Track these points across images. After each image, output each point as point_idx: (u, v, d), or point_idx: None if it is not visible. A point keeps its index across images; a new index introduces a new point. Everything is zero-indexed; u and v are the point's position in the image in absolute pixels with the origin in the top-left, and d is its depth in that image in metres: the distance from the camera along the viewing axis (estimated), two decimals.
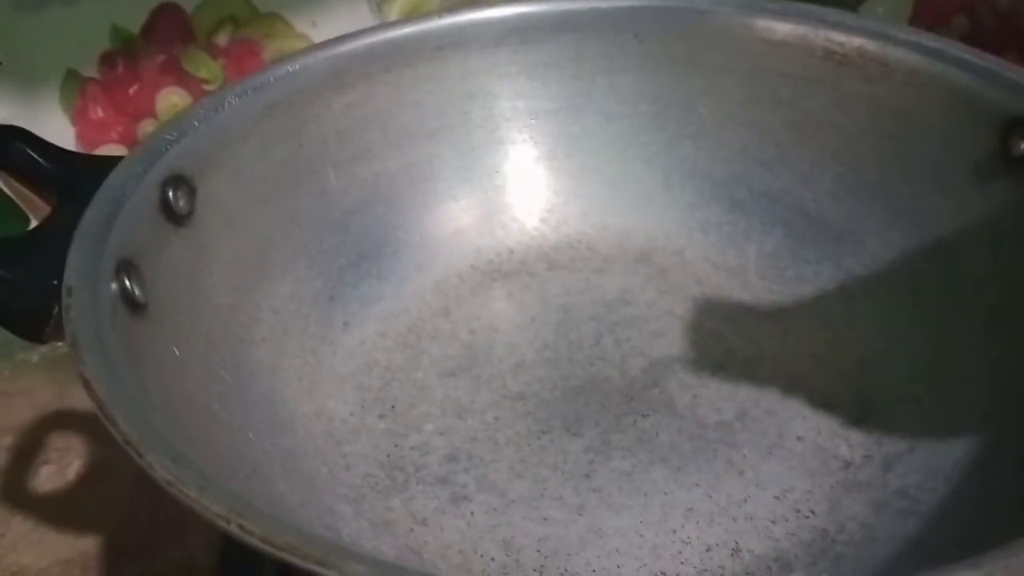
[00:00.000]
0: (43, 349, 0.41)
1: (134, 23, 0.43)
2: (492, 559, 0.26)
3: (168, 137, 0.29)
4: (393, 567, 0.15)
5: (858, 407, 0.30)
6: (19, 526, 0.34)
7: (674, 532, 0.27)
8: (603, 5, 0.37)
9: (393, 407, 0.31)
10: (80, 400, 0.38)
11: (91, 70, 0.43)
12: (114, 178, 0.27)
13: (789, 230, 0.35)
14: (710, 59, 0.36)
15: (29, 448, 0.37)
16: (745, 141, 0.36)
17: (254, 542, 0.16)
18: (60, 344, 0.41)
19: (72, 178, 0.28)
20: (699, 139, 0.37)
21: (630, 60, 0.37)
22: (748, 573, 0.26)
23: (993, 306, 0.30)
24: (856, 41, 0.34)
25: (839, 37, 0.34)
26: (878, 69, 0.34)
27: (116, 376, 0.20)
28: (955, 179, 0.32)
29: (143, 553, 0.33)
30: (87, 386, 0.20)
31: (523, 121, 0.37)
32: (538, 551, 0.27)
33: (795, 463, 0.29)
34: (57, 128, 0.43)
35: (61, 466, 0.36)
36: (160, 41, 0.44)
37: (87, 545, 0.33)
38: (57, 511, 0.35)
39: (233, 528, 0.16)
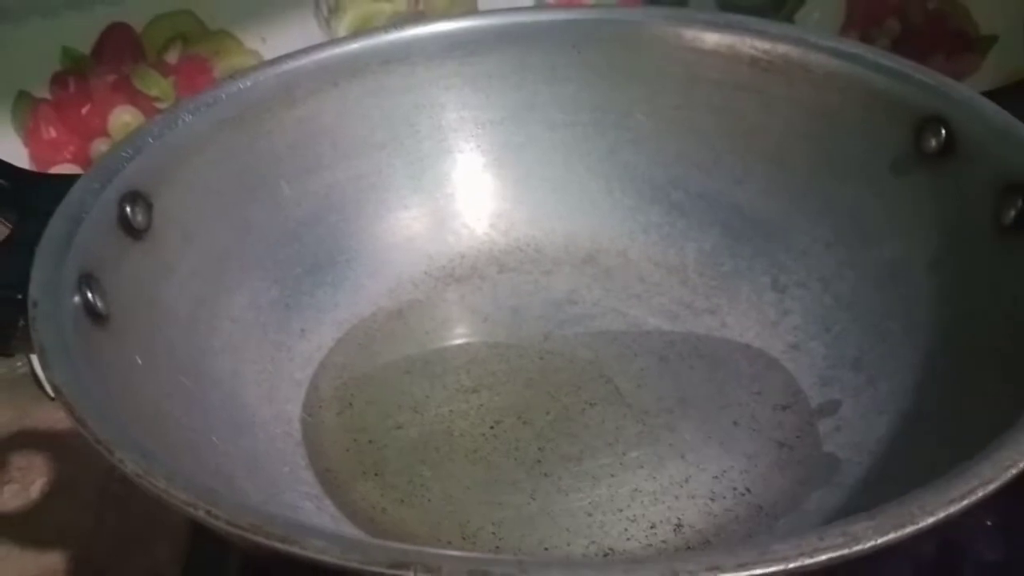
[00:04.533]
0: (1, 369, 0.41)
1: (84, 43, 0.43)
2: (449, 543, 0.28)
3: (124, 154, 0.30)
4: (351, 540, 0.16)
5: (789, 392, 0.32)
6: None
7: (620, 511, 0.29)
8: (543, 18, 0.39)
9: (351, 404, 0.33)
10: (40, 419, 0.39)
11: (43, 91, 0.43)
12: (73, 195, 0.28)
13: (725, 229, 0.37)
14: (646, 68, 0.38)
15: None
16: (682, 146, 0.38)
17: (220, 525, 0.17)
18: (18, 364, 0.41)
19: (30, 196, 0.29)
20: (638, 145, 0.39)
21: (571, 70, 0.39)
22: (689, 547, 0.28)
23: (911, 291, 0.32)
24: (780, 48, 0.36)
25: (764, 45, 0.36)
26: (801, 74, 0.36)
27: (83, 383, 0.21)
28: (876, 175, 0.34)
29: (108, 568, 0.33)
30: (57, 391, 0.21)
31: (470, 131, 0.39)
32: (493, 533, 0.28)
33: (732, 445, 0.31)
34: (10, 149, 0.43)
35: (24, 484, 0.36)
36: (111, 60, 0.45)
37: (52, 562, 0.34)
38: (21, 529, 0.35)
39: (201, 513, 0.17)
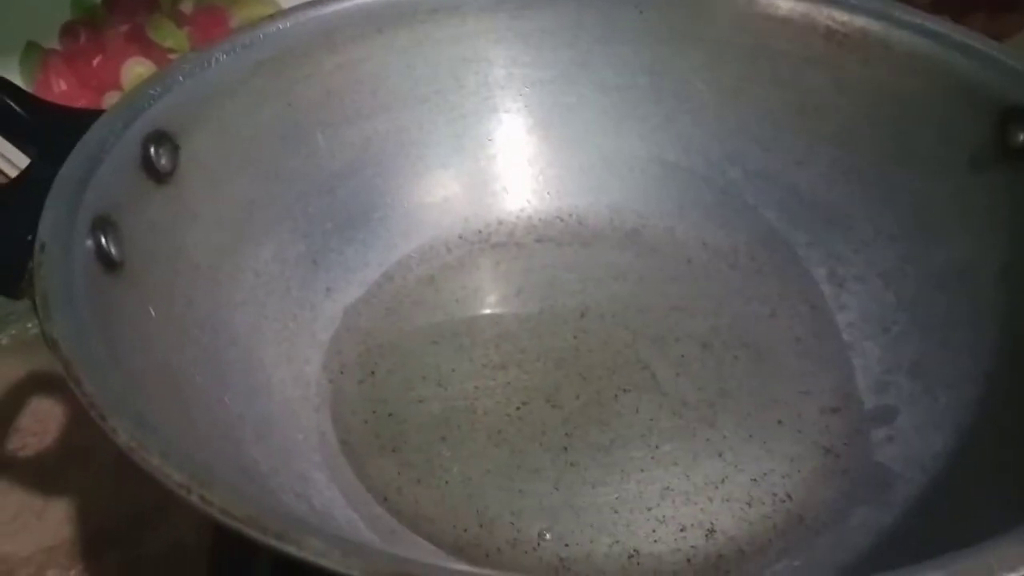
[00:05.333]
0: (12, 331, 0.40)
1: None
2: (465, 530, 0.26)
3: (151, 92, 0.28)
4: (351, 543, 0.15)
5: (840, 393, 0.30)
6: None
7: (649, 510, 0.27)
8: None
9: (373, 373, 0.31)
10: (56, 383, 0.37)
11: (52, 41, 0.42)
12: (94, 132, 0.26)
13: (781, 212, 0.35)
14: (711, 33, 0.36)
15: (3, 434, 0.36)
16: (742, 119, 0.36)
17: (213, 513, 0.16)
18: (30, 324, 0.40)
19: (52, 131, 0.28)
20: (696, 115, 0.36)
21: (630, 31, 0.36)
22: (720, 555, 0.26)
23: (978, 297, 0.29)
24: (859, 21, 0.33)
25: (842, 16, 0.34)
26: (880, 51, 0.33)
27: (85, 337, 0.20)
28: (950, 166, 0.32)
29: (128, 537, 0.33)
30: (53, 346, 0.19)
31: (517, 89, 0.37)
32: (512, 523, 0.27)
33: (775, 446, 0.29)
34: None
35: (40, 451, 0.35)
36: (123, 10, 0.43)
37: (69, 532, 0.33)
38: (38, 497, 0.34)
39: (194, 498, 0.16)
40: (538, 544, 0.26)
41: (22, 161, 0.28)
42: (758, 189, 0.36)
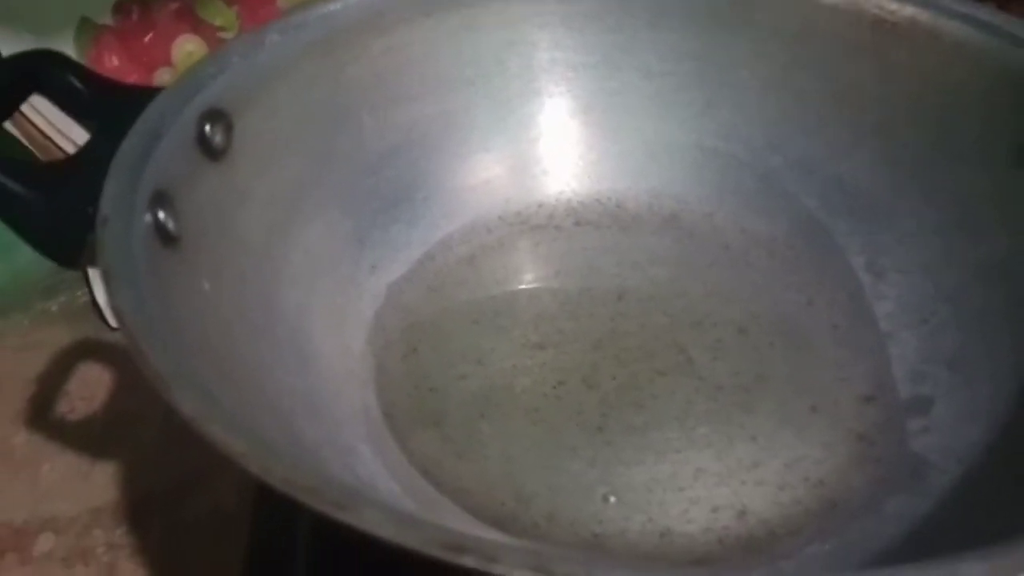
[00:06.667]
0: (62, 299, 0.41)
1: None
2: (503, 504, 0.27)
3: (208, 71, 0.29)
4: (406, 515, 0.16)
5: (876, 382, 0.30)
6: (48, 475, 0.35)
7: (682, 490, 0.28)
8: None
9: (415, 350, 0.32)
10: (103, 350, 0.38)
11: (105, 17, 0.42)
12: (153, 109, 0.27)
13: (822, 201, 0.35)
14: (757, 20, 0.36)
15: (54, 399, 0.37)
16: (786, 107, 0.36)
17: (274, 483, 0.16)
18: (79, 294, 0.41)
19: (111, 107, 0.29)
20: (739, 102, 0.36)
21: (675, 17, 0.36)
22: (752, 536, 0.26)
23: (1018, 291, 0.29)
24: (908, 10, 0.33)
25: (891, 5, 0.34)
26: (928, 41, 0.33)
27: (147, 309, 0.21)
28: (996, 161, 0.31)
29: (171, 501, 0.34)
30: (120, 318, 0.20)
31: (561, 73, 0.37)
32: (548, 500, 0.27)
33: (809, 432, 0.29)
34: None
35: (87, 416, 0.37)
36: None
37: (114, 495, 0.34)
38: (85, 460, 0.35)
39: (254, 468, 0.17)
40: (574, 521, 0.27)
41: (78, 136, 0.29)
42: (798, 177, 0.36)
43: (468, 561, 0.15)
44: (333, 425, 0.28)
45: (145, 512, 0.34)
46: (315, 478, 0.16)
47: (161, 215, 0.25)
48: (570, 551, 0.25)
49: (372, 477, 0.26)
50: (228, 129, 0.29)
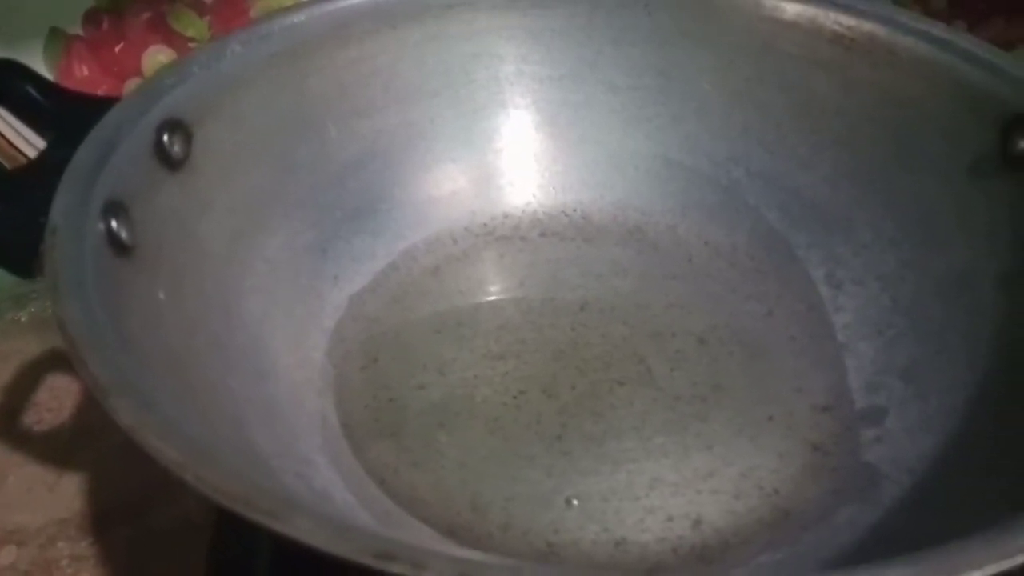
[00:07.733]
0: (32, 309, 0.41)
1: None
2: (458, 514, 0.27)
3: (167, 81, 0.29)
4: (339, 523, 0.16)
5: (832, 393, 0.31)
6: (13, 487, 0.34)
7: (638, 499, 0.28)
8: None
9: (376, 360, 0.32)
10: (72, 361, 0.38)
11: (75, 27, 0.42)
12: (110, 119, 0.27)
13: (783, 213, 0.35)
14: (719, 36, 0.36)
15: (20, 409, 0.36)
16: (748, 121, 0.36)
17: (206, 491, 0.16)
18: (49, 303, 0.40)
19: (69, 116, 0.29)
20: (702, 116, 0.37)
21: (639, 32, 0.37)
22: (706, 545, 0.27)
23: (975, 305, 0.30)
24: (866, 26, 0.34)
25: (849, 21, 0.34)
26: (886, 56, 0.33)
27: (93, 318, 0.21)
28: (954, 173, 0.32)
29: (137, 512, 0.33)
30: (61, 326, 0.20)
31: (527, 85, 0.37)
32: (504, 509, 0.27)
33: (764, 442, 0.29)
34: None
35: (53, 426, 0.36)
36: None
37: (81, 505, 0.33)
38: (51, 471, 0.35)
39: (188, 477, 0.17)
40: (528, 530, 0.27)
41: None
42: (760, 190, 0.36)
43: (398, 569, 0.15)
44: (289, 435, 0.28)
45: (111, 523, 0.33)
46: (248, 488, 0.16)
47: (114, 224, 0.25)
48: (498, 559, 0.25)
49: (327, 487, 0.26)
50: (187, 139, 0.29)
